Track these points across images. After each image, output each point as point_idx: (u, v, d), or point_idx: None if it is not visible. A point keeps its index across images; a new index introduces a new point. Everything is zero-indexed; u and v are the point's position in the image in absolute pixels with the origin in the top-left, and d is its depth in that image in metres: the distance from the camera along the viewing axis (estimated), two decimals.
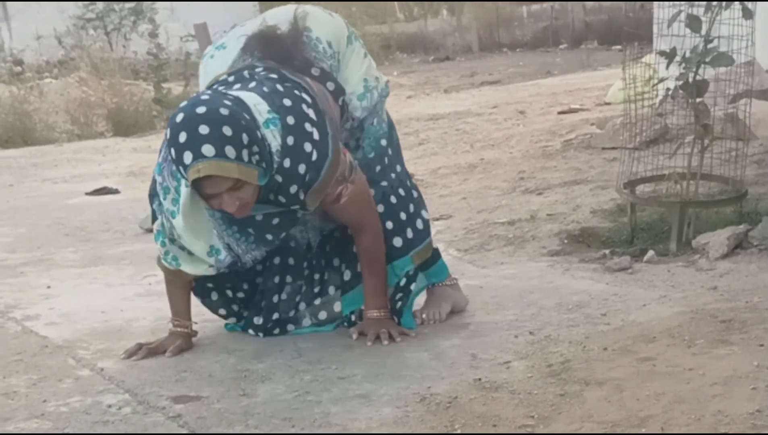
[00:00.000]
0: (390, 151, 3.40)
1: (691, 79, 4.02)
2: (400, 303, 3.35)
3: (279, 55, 3.19)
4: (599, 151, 5.90)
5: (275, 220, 3.13)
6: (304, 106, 3.03)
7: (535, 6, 18.54)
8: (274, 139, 2.95)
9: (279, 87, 3.05)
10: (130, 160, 7.69)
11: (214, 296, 3.43)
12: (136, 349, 3.24)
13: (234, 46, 3.26)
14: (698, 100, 4.07)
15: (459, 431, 2.54)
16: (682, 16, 3.98)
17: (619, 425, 2.49)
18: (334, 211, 3.18)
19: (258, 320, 3.40)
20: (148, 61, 10.73)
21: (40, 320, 3.69)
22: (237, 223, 3.08)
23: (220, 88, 3.08)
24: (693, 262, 3.79)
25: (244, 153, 2.85)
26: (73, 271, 4.45)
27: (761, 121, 5.33)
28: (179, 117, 2.87)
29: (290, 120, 2.98)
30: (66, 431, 2.70)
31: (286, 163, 2.97)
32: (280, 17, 3.28)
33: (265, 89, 3.03)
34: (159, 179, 3.08)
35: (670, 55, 4.06)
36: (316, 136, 3.00)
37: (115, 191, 6.41)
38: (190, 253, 3.14)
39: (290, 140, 2.97)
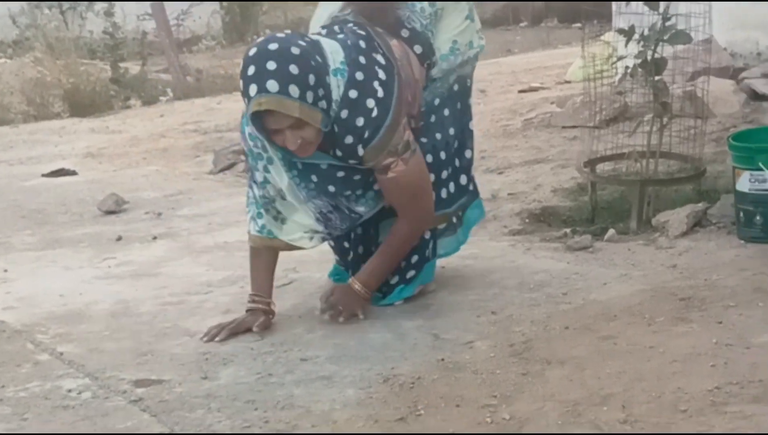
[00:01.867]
0: (445, 112, 3.37)
1: (649, 57, 4.02)
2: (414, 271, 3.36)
3: (374, 11, 3.22)
4: (559, 129, 5.90)
5: (340, 173, 3.13)
6: (376, 67, 3.04)
7: None
8: (337, 88, 2.98)
9: (361, 43, 3.08)
10: (87, 140, 7.60)
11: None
12: (217, 330, 3.16)
13: None
14: (657, 78, 4.08)
15: (422, 412, 2.54)
16: None
17: (580, 403, 2.51)
18: (381, 183, 3.15)
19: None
20: (105, 40, 10.60)
21: None
22: (299, 167, 3.10)
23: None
24: (653, 240, 3.81)
25: (309, 94, 2.89)
26: (31, 255, 4.40)
27: (719, 99, 5.35)
28: (252, 51, 2.94)
29: (359, 75, 3.01)
30: (25, 416, 2.67)
31: (344, 114, 2.99)
32: None
33: (349, 42, 3.07)
34: (249, 129, 3.10)
35: (628, 33, 4.06)
36: (380, 94, 3.02)
37: (73, 173, 6.34)
38: (284, 221, 3.19)
39: (353, 93, 2.99)
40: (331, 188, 3.15)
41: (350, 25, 3.17)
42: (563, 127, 5.91)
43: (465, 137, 3.48)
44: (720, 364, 2.65)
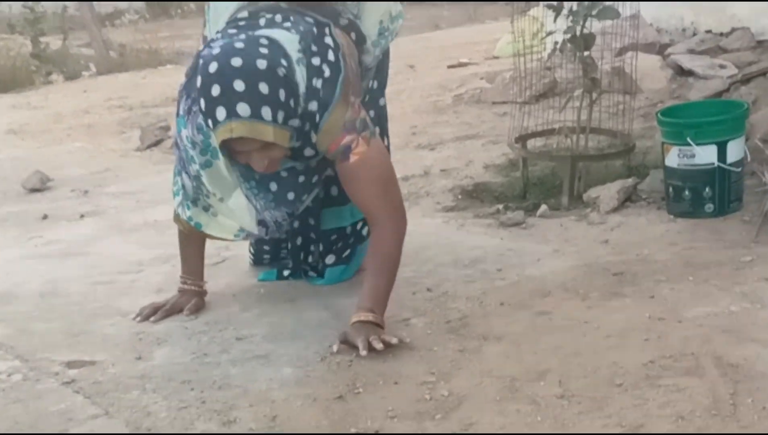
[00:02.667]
0: (374, 85, 3.27)
1: (578, 33, 4.05)
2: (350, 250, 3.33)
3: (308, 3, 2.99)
4: (490, 105, 5.92)
5: (301, 178, 2.98)
6: (328, 51, 2.86)
7: None
8: (302, 80, 2.78)
9: (314, 30, 2.88)
10: (8, 117, 7.42)
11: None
12: (151, 311, 3.10)
13: None
14: (586, 53, 4.11)
15: (361, 390, 2.53)
16: None
17: (518, 379, 2.52)
18: (345, 176, 2.89)
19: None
20: (24, 14, 10.35)
21: None
22: (256, 178, 2.92)
23: (250, 25, 2.88)
24: (584, 215, 3.85)
25: (280, 114, 2.70)
26: None
27: (646, 75, 5.41)
28: (212, 67, 2.68)
29: (315, 60, 2.83)
30: None
31: (312, 106, 2.81)
32: None
33: (301, 28, 2.86)
34: (185, 132, 2.87)
35: (557, 9, 4.08)
36: (327, 73, 2.82)
37: None
38: (215, 215, 2.99)
39: (317, 82, 2.81)
40: (291, 196, 2.99)
41: (288, 8, 2.94)
42: (493, 103, 5.92)
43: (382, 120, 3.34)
44: (653, 338, 2.69)
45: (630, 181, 3.99)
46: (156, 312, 3.10)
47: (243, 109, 2.66)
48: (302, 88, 2.78)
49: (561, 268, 3.29)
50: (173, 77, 8.23)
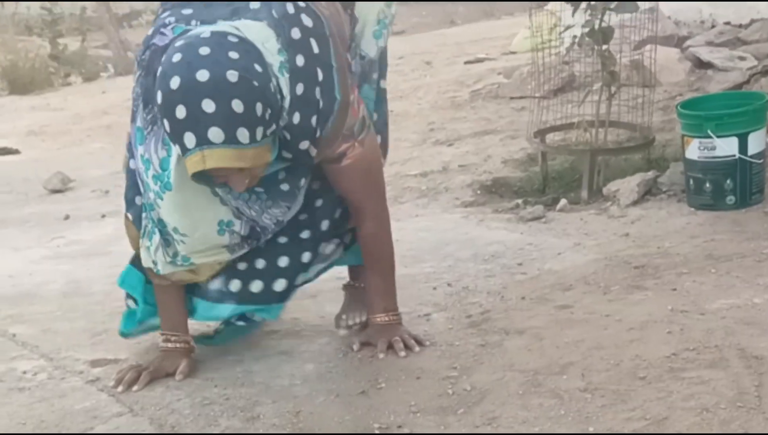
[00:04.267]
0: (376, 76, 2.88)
1: (596, 27, 4.04)
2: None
3: None
4: (507, 100, 5.92)
5: (281, 175, 2.59)
6: (312, 40, 2.43)
7: None
8: (286, 86, 2.38)
9: (290, 9, 2.43)
10: (28, 119, 7.47)
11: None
12: (133, 376, 2.64)
13: None
14: (604, 47, 4.10)
15: (383, 385, 2.54)
16: None
17: (540, 373, 2.52)
18: (334, 175, 2.63)
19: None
20: (42, 15, 10.41)
21: None
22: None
23: (215, 14, 2.44)
24: (605, 209, 3.85)
25: (259, 130, 2.29)
26: None
27: (665, 68, 5.39)
28: (174, 82, 2.26)
29: (300, 60, 2.40)
30: None
31: (296, 118, 2.41)
32: None
33: (275, 13, 2.41)
34: (140, 151, 2.47)
35: (575, 3, 4.08)
36: (320, 76, 2.43)
37: (15, 151, 6.24)
38: (185, 259, 2.59)
39: (299, 89, 2.40)
40: (284, 187, 2.60)
41: None
42: (511, 98, 5.93)
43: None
44: (676, 330, 2.68)
45: (650, 174, 3.98)
46: (138, 376, 2.65)
47: (215, 134, 2.25)
48: (287, 100, 2.40)
49: (582, 262, 3.28)
50: None
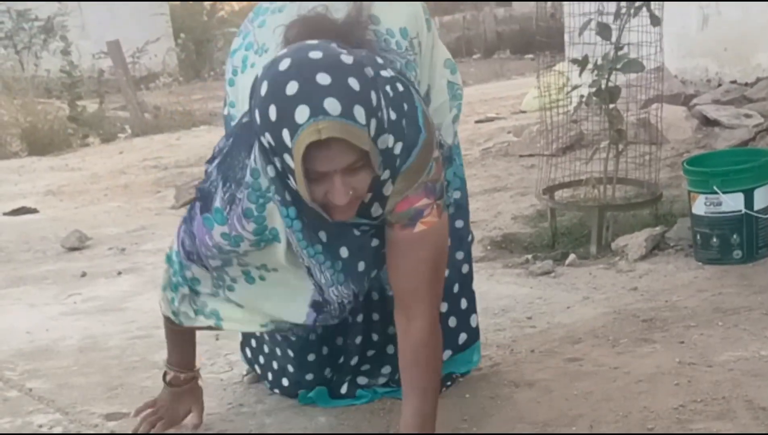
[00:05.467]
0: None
1: (603, 86, 4.12)
2: None
3: (349, 27, 2.25)
4: (517, 158, 6.00)
5: (374, 242, 2.32)
6: (398, 83, 2.23)
7: (447, 18, 18.72)
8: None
9: (379, 59, 2.25)
10: (47, 179, 7.58)
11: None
12: (148, 427, 2.67)
13: (271, 41, 2.36)
14: (611, 106, 4.17)
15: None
16: (593, 24, 4.08)
17: (550, 425, 2.55)
18: (401, 245, 2.27)
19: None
20: (62, 78, 10.57)
21: None
22: (323, 241, 2.28)
23: None
24: (613, 263, 3.89)
25: (372, 123, 2.04)
26: None
27: (672, 126, 5.47)
28: (284, 64, 2.01)
29: (399, 86, 2.21)
30: None
31: (382, 140, 2.13)
32: (335, 6, 2.33)
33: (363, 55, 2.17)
34: (220, 230, 2.31)
35: (582, 63, 4.15)
36: (406, 107, 2.20)
37: (34, 211, 6.32)
38: (238, 304, 2.48)
39: (392, 114, 2.17)
40: (361, 266, 2.35)
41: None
42: (521, 156, 6.00)
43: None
44: (684, 382, 2.71)
45: (658, 229, 4.03)
46: (153, 427, 2.68)
47: (331, 105, 1.97)
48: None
49: (590, 316, 3.32)
50: (206, 138, 8.39)
